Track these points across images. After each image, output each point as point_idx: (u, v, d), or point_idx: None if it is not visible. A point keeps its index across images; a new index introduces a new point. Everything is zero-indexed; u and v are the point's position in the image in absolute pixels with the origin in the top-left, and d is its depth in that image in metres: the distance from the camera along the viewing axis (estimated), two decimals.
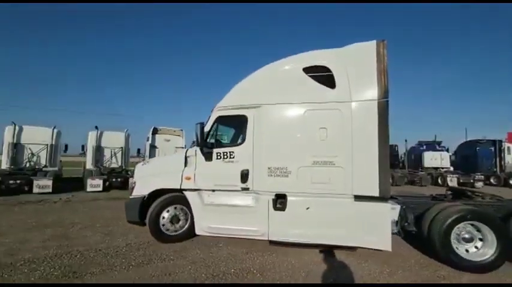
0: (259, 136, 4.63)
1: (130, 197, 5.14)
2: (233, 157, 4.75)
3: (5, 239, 5.05)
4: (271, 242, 4.52)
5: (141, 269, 3.86)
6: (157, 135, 14.94)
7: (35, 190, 10.69)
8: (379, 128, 4.04)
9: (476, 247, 4.04)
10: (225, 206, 4.73)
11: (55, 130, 13.13)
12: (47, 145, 12.71)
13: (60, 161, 14.67)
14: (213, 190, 4.83)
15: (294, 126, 4.49)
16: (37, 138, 12.63)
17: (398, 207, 4.39)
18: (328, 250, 4.34)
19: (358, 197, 4.15)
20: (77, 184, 13.10)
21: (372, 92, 4.13)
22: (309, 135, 4.37)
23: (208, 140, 4.87)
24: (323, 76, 4.41)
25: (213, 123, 4.94)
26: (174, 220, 4.97)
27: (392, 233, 4.21)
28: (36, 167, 12.22)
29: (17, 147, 12.11)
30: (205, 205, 4.81)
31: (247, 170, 4.62)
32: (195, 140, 4.97)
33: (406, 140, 21.24)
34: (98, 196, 10.74)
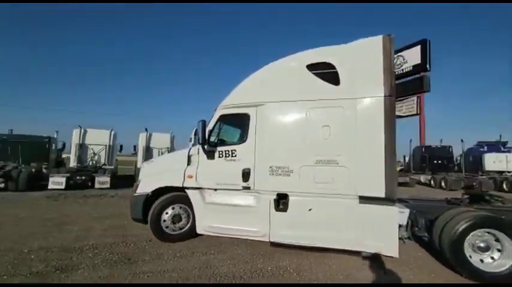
0: (261, 134, 4.57)
1: (134, 194, 5.11)
2: (235, 156, 4.69)
3: (73, 227, 5.86)
4: (272, 244, 4.45)
5: (185, 260, 4.16)
6: None
7: (96, 185, 12.10)
8: (385, 126, 3.86)
9: (492, 258, 3.66)
10: (226, 205, 4.67)
11: (112, 132, 14.90)
12: (106, 145, 14.52)
13: (116, 160, 16.41)
14: (215, 189, 4.79)
15: (296, 125, 4.40)
16: (98, 139, 14.46)
17: (407, 211, 4.17)
18: (372, 257, 4.06)
19: (363, 198, 3.97)
20: (130, 181, 13.87)
21: (378, 89, 3.94)
22: (312, 133, 4.26)
23: (211, 138, 4.87)
24: (327, 73, 4.29)
25: (216, 122, 4.93)
26: (175, 218, 4.95)
27: (402, 239, 4.05)
28: (97, 165, 13.95)
29: (82, 147, 14.10)
30: (207, 204, 4.77)
31: (249, 169, 4.54)
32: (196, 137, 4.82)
33: (462, 141, 18.87)
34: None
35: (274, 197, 4.37)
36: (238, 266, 3.97)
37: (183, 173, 4.88)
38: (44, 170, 12.56)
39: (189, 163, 4.99)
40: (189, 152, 5.07)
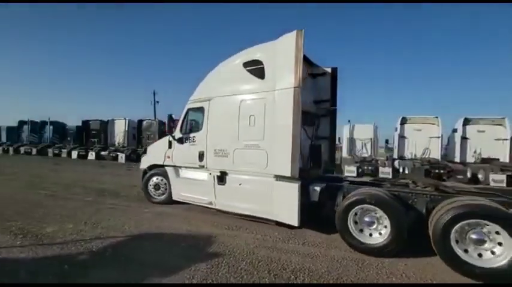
0: (210, 124, 5.57)
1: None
2: (195, 141, 5.84)
3: None
4: (217, 210, 5.51)
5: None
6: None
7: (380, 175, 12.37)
8: (293, 115, 4.33)
9: (380, 233, 3.98)
10: (190, 179, 5.95)
11: (375, 125, 15.94)
12: (370, 138, 15.65)
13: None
14: (183, 167, 6.13)
15: (232, 115, 5.15)
16: (364, 133, 15.78)
17: (319, 189, 4.64)
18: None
19: (277, 177, 4.61)
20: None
21: (290, 80, 4.37)
22: (242, 122, 5.03)
23: (183, 127, 6.08)
24: (257, 69, 4.92)
25: (185, 114, 6.08)
26: (156, 187, 6.56)
27: (315, 213, 4.76)
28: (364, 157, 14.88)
29: (351, 141, 15.77)
30: (179, 178, 6.16)
31: (203, 152, 5.62)
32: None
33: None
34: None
35: (218, 173, 5.37)
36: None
37: (164, 154, 6.38)
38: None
39: (170, 146, 6.33)
40: (169, 138, 6.31)
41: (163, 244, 4.17)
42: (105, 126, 22.29)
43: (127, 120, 21.45)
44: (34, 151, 21.26)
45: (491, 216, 3.25)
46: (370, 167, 13.27)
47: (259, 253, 3.87)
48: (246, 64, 5.09)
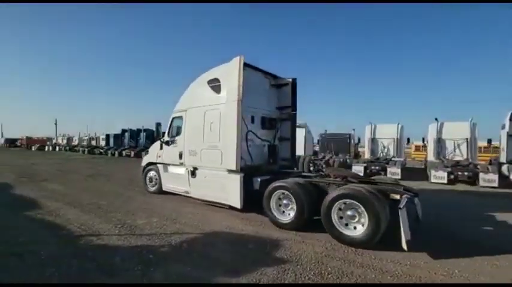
0: (186, 129, 7.06)
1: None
2: (176, 143, 7.33)
3: None
4: (191, 197, 6.96)
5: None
6: None
7: (388, 175, 12.19)
8: (237, 122, 5.62)
9: (289, 211, 5.07)
10: (173, 173, 7.48)
11: (399, 125, 15.65)
12: (394, 138, 15.50)
13: (404, 152, 17.39)
14: (169, 164, 7.59)
15: (200, 122, 6.56)
16: (386, 133, 15.75)
17: (259, 180, 5.79)
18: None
19: (228, 171, 5.84)
20: (418, 174, 13.72)
21: (236, 94, 5.62)
22: (206, 128, 6.43)
23: (169, 132, 7.61)
24: (216, 85, 6.31)
25: (170, 122, 7.63)
26: (151, 179, 8.24)
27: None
28: (387, 157, 15.03)
29: (373, 141, 15.92)
30: (166, 173, 7.72)
31: (182, 152, 7.10)
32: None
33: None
34: (442, 188, 10.36)
35: (191, 169, 6.82)
36: None
37: (156, 154, 8.03)
38: (348, 160, 15.24)
39: (161, 148, 7.86)
40: (160, 141, 7.89)
41: (232, 244, 4.31)
42: None
43: None
44: (132, 153, 25.34)
45: (354, 196, 4.21)
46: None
47: (329, 264, 3.59)
48: (209, 81, 6.51)
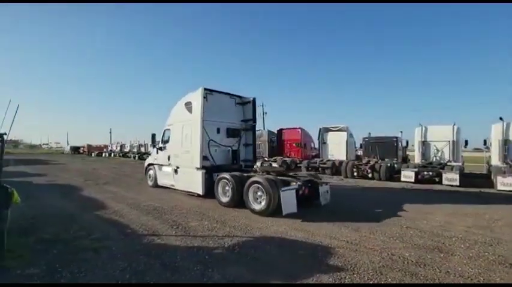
0: (172, 138, 9.44)
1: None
2: (166, 149, 9.74)
3: (435, 217, 6.33)
4: (174, 190, 9.23)
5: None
6: None
7: (444, 181, 11.71)
8: (201, 133, 7.85)
9: (227, 193, 7.35)
10: (164, 172, 9.83)
11: (455, 127, 14.20)
12: (449, 141, 14.14)
13: (462, 156, 15.67)
14: (162, 165, 9.95)
15: (179, 133, 8.91)
16: (440, 135, 14.45)
17: (216, 174, 7.76)
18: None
19: (196, 168, 7.95)
20: (481, 180, 13.35)
21: (200, 115, 7.89)
22: (183, 137, 8.72)
23: (162, 140, 9.99)
24: (189, 107, 8.47)
25: (163, 133, 10.00)
26: (150, 176, 10.78)
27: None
28: (441, 161, 13.80)
29: (424, 144, 14.76)
30: (160, 171, 10.13)
31: (169, 155, 9.43)
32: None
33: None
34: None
35: (175, 168, 9.06)
36: None
37: (154, 157, 10.63)
38: (395, 165, 14.72)
39: (157, 152, 10.36)
40: (156, 147, 10.40)
41: (282, 249, 4.33)
42: None
43: None
44: None
45: (259, 182, 6.39)
46: None
47: (388, 275, 3.41)
48: (185, 104, 8.69)
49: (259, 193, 6.45)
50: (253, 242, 4.64)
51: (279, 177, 6.80)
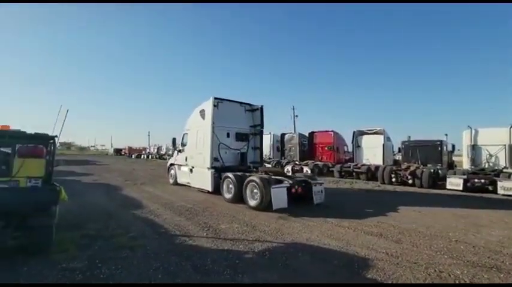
0: (189, 142, 10.71)
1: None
2: (184, 151, 10.92)
3: (491, 231, 5.68)
4: (188, 187, 10.53)
5: None
6: None
7: (500, 191, 10.52)
8: (211, 138, 9.03)
9: (230, 189, 8.27)
10: (183, 171, 10.96)
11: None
12: (505, 144, 12.61)
13: None
14: (181, 165, 11.07)
15: (195, 137, 10.12)
16: (493, 139, 12.94)
17: (224, 173, 8.60)
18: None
19: (207, 168, 9.08)
20: None
21: (210, 121, 9.05)
22: (198, 140, 9.93)
23: (182, 143, 11.25)
24: (203, 114, 9.69)
25: (182, 137, 11.21)
26: (172, 175, 12.01)
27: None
28: (496, 168, 12.39)
29: (474, 148, 13.35)
30: (179, 171, 11.28)
31: (187, 156, 10.60)
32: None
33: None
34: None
35: (191, 167, 10.25)
36: None
37: (174, 158, 11.84)
38: (439, 171, 13.53)
39: (177, 154, 11.51)
40: (177, 149, 11.61)
41: (314, 257, 4.12)
42: None
43: (272, 135, 24.00)
44: None
45: (255, 181, 7.23)
46: None
47: None
48: (200, 111, 9.85)
49: (255, 191, 7.24)
50: (284, 248, 4.49)
51: (274, 177, 7.60)
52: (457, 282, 3.38)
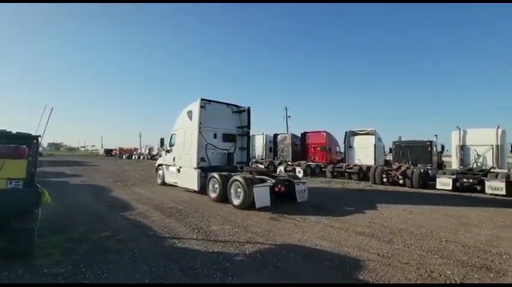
0: (176, 142, 10.71)
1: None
2: (172, 151, 10.94)
3: (480, 230, 5.67)
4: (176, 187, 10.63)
5: None
6: None
7: (487, 190, 10.63)
8: (198, 139, 9.19)
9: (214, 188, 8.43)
10: (170, 171, 10.98)
11: (499, 130, 12.88)
12: (492, 145, 12.79)
13: (508, 162, 13.97)
14: (169, 165, 11.11)
15: (182, 138, 10.14)
16: (481, 139, 13.11)
17: (210, 173, 8.73)
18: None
19: (194, 168, 9.19)
20: None
21: (197, 122, 9.20)
22: (185, 141, 9.95)
23: (169, 143, 11.27)
24: (190, 115, 9.79)
25: (170, 137, 11.22)
26: (159, 175, 12.05)
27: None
28: (484, 168, 12.49)
29: (463, 149, 13.46)
30: (167, 171, 11.30)
31: (174, 157, 10.63)
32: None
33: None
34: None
35: (178, 167, 10.27)
36: None
37: (162, 158, 11.99)
38: (429, 171, 13.56)
39: (165, 154, 11.64)
40: (164, 150, 11.77)
41: (306, 258, 4.07)
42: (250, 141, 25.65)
43: (265, 135, 23.95)
44: None
45: (238, 181, 7.40)
46: None
47: None
48: (187, 112, 9.93)
49: (239, 190, 7.41)
50: (275, 249, 4.43)
51: (258, 176, 7.83)
52: (447, 282, 3.38)
